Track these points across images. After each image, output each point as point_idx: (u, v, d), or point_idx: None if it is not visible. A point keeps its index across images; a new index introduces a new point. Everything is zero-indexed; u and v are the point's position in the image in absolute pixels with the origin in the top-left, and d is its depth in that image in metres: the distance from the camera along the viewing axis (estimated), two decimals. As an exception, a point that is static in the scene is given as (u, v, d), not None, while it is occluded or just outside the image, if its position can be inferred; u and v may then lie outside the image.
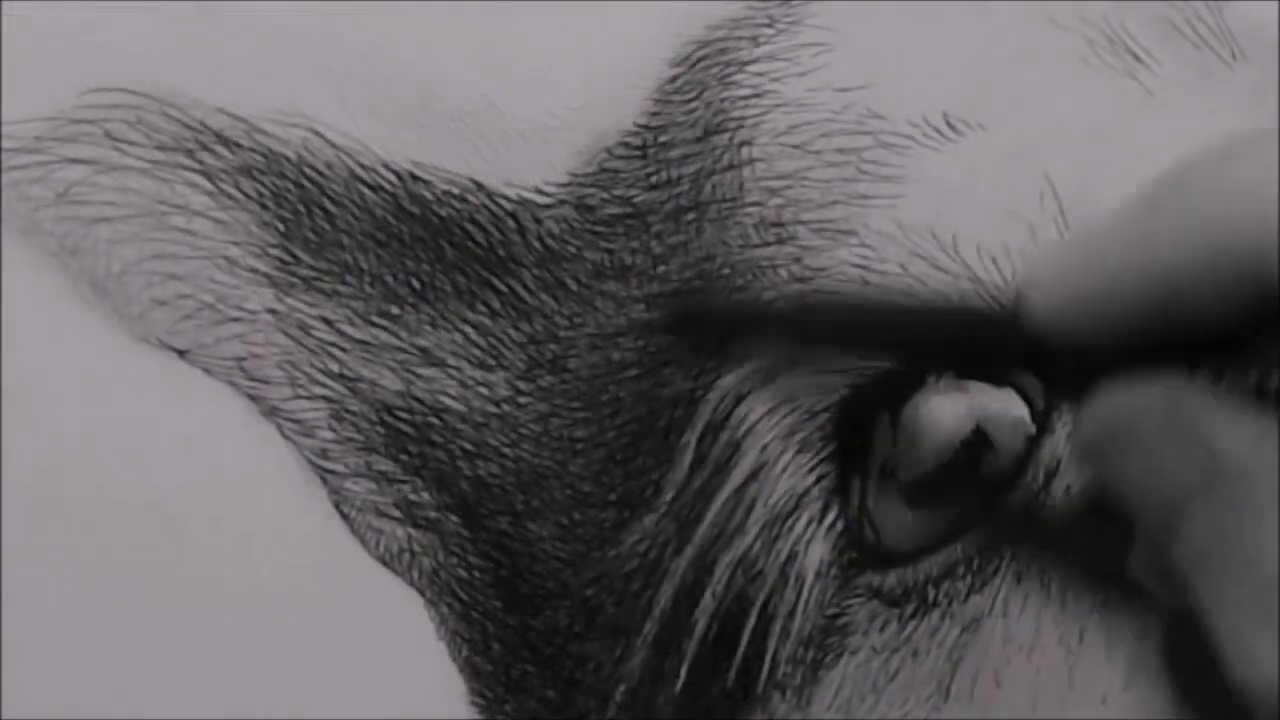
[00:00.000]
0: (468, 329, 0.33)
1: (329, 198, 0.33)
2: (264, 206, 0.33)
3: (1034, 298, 0.28)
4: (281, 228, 0.33)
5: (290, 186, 0.33)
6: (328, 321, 0.33)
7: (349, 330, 0.33)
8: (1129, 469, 0.28)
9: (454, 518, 0.33)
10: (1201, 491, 0.26)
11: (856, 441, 0.33)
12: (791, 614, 0.33)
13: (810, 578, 0.33)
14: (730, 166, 0.34)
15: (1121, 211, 0.27)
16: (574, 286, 0.33)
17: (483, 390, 0.33)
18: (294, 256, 0.33)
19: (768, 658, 0.33)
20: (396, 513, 0.33)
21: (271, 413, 0.33)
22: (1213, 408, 0.27)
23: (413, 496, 0.33)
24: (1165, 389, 0.27)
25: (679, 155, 0.34)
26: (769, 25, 0.35)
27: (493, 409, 0.33)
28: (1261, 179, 0.25)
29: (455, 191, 0.33)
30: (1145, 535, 0.29)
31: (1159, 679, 0.33)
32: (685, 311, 0.33)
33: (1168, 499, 0.27)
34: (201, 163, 0.33)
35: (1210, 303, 0.26)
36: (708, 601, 0.33)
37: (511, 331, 0.33)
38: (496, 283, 0.33)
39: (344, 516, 0.33)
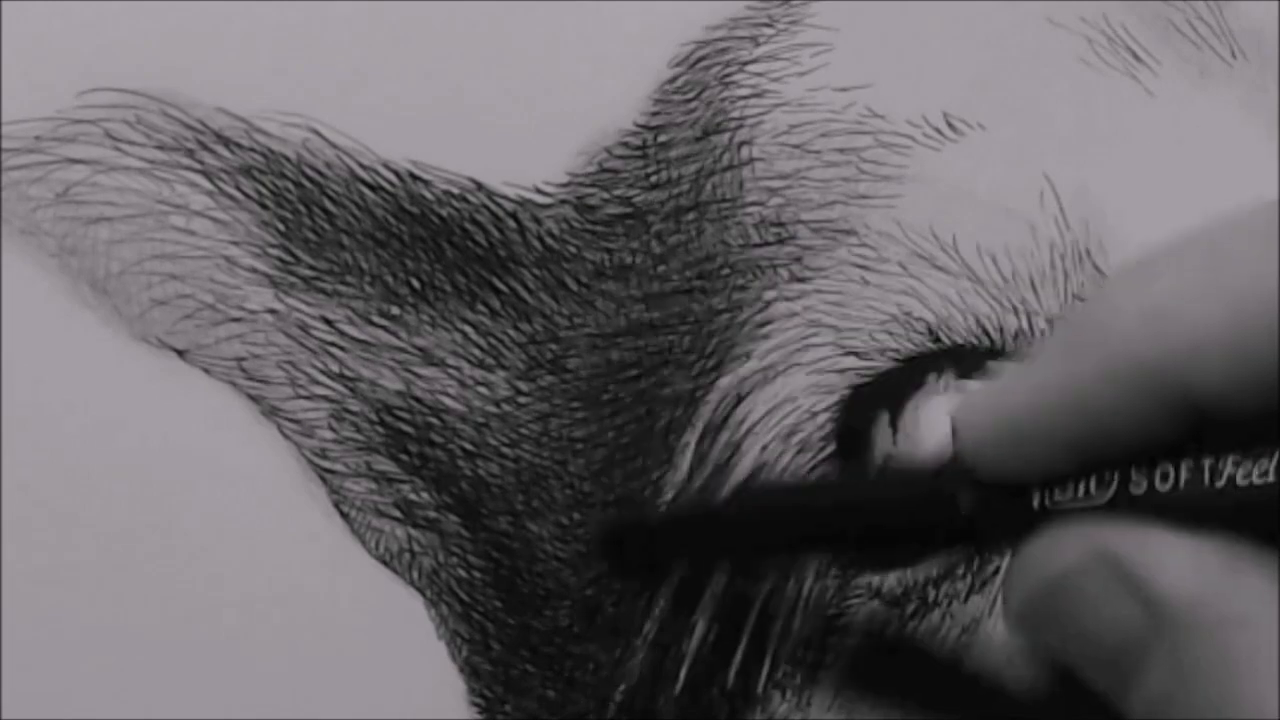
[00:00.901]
0: (468, 329, 0.33)
1: (329, 197, 0.33)
2: (264, 206, 0.33)
3: (963, 429, 0.27)
4: (281, 227, 0.33)
5: (290, 186, 0.33)
6: (328, 321, 0.33)
7: (349, 330, 0.33)
8: (1067, 634, 0.26)
9: (454, 518, 0.33)
10: (1150, 646, 0.25)
11: (856, 442, 0.33)
12: (791, 614, 0.33)
13: (810, 578, 0.33)
14: (730, 166, 0.34)
15: (1046, 340, 0.27)
16: (574, 286, 0.33)
17: (483, 390, 0.33)
18: (294, 256, 0.33)
19: (767, 658, 0.33)
20: (396, 512, 0.33)
21: (271, 412, 0.33)
22: (1147, 545, 0.25)
23: (412, 496, 0.33)
24: (1092, 536, 0.26)
25: (679, 155, 0.34)
26: (769, 25, 0.35)
27: (493, 409, 0.33)
28: (1176, 290, 0.24)
29: (455, 191, 0.33)
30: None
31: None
32: (606, 533, 0.33)
33: (1114, 659, 0.26)
34: (201, 162, 0.33)
35: (1135, 424, 0.25)
36: (707, 601, 0.33)
37: (511, 331, 0.33)
38: (496, 282, 0.33)
39: (344, 516, 0.33)
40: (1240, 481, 0.25)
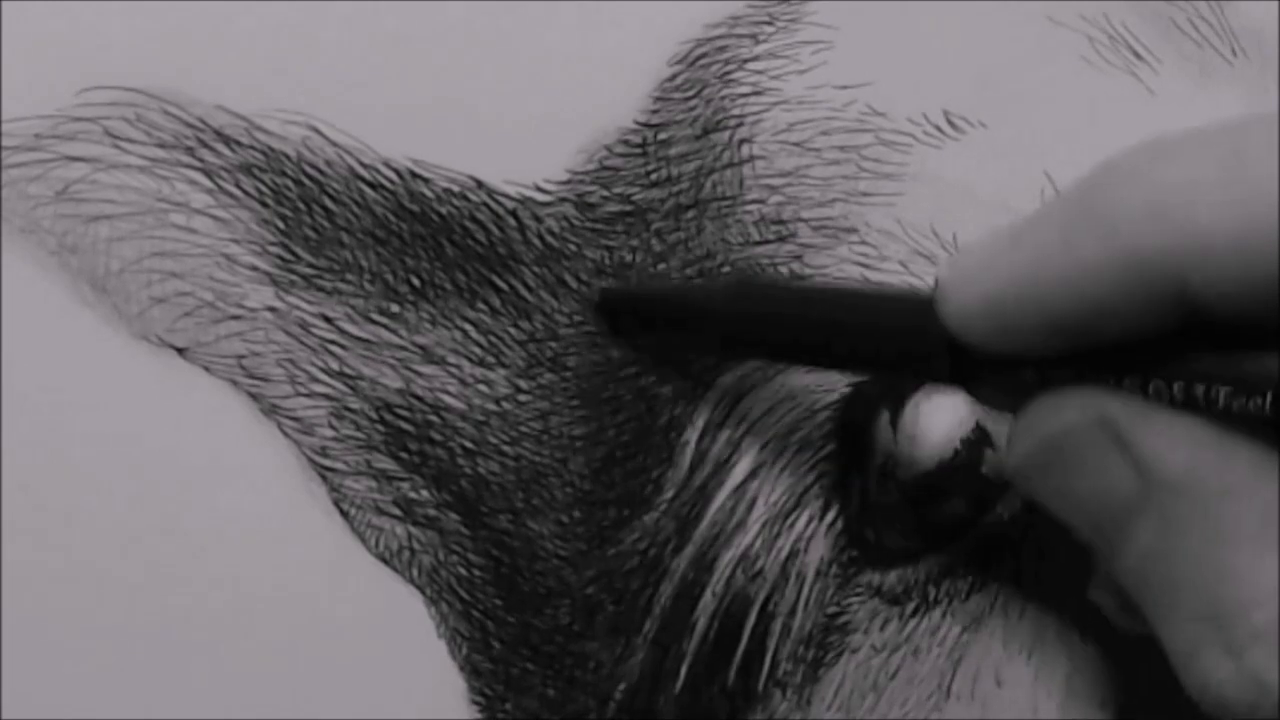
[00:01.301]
0: (468, 326, 0.33)
1: (329, 195, 0.33)
2: (264, 204, 0.33)
3: (950, 297, 0.27)
4: (281, 225, 0.33)
5: (290, 184, 0.33)
6: (327, 319, 0.33)
7: (349, 328, 0.33)
8: (1063, 491, 0.27)
9: (454, 516, 0.33)
10: (1139, 507, 0.26)
11: (856, 441, 0.33)
12: (792, 612, 0.33)
13: (811, 576, 0.33)
14: (730, 164, 0.34)
15: (1044, 210, 0.26)
16: (574, 284, 0.33)
17: (483, 388, 0.33)
18: (294, 254, 0.33)
19: (768, 656, 0.33)
20: (396, 510, 0.33)
21: (271, 410, 0.33)
22: (1144, 419, 0.26)
23: (412, 494, 0.33)
24: (1092, 404, 0.26)
25: (679, 153, 0.34)
26: (769, 23, 0.35)
27: (493, 407, 0.33)
28: (1187, 184, 0.24)
29: (455, 189, 0.33)
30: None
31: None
32: (605, 294, 0.33)
33: (1106, 519, 0.26)
34: (201, 160, 0.33)
35: (1129, 314, 0.25)
36: (708, 600, 0.33)
37: (511, 329, 0.33)
38: (496, 280, 0.33)
39: (344, 514, 0.33)
40: (1236, 410, 0.25)
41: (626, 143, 0.34)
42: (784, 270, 0.34)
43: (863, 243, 0.34)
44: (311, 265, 0.33)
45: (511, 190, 0.33)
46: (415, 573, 0.33)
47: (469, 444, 0.33)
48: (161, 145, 0.33)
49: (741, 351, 0.33)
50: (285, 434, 0.33)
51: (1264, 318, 0.24)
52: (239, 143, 0.33)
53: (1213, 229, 0.24)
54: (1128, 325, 0.25)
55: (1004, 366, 0.27)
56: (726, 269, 0.34)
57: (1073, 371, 0.27)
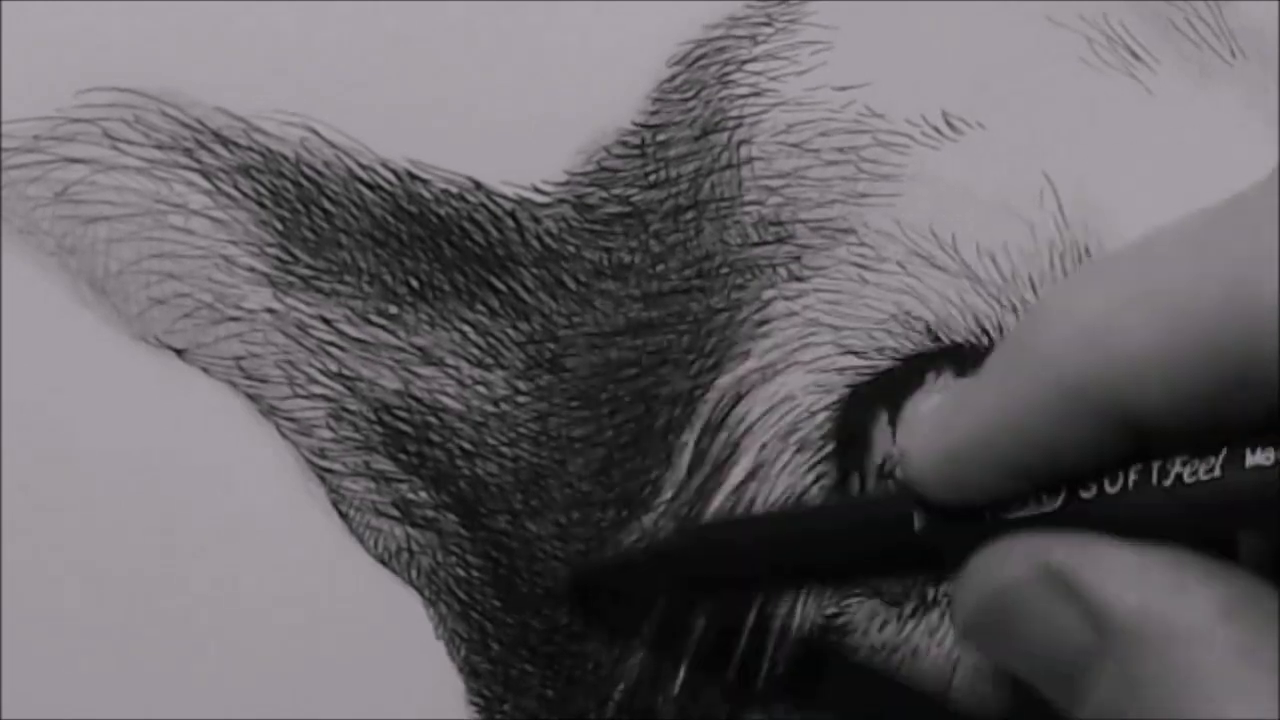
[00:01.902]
0: (466, 328, 0.33)
1: (327, 197, 0.33)
2: (262, 205, 0.33)
3: (909, 458, 0.27)
4: (280, 227, 0.33)
5: (288, 185, 0.33)
6: (326, 320, 0.33)
7: (347, 329, 0.33)
8: (1013, 649, 0.26)
9: (452, 517, 0.33)
10: (1095, 659, 0.25)
11: (855, 441, 0.33)
12: (791, 613, 0.33)
13: (810, 577, 0.33)
14: (729, 165, 0.34)
15: (987, 363, 0.26)
16: (572, 285, 0.33)
17: (481, 389, 0.33)
18: (292, 255, 0.33)
19: (767, 657, 0.33)
20: (395, 512, 0.33)
21: (270, 412, 0.33)
22: (1092, 562, 0.25)
23: (411, 495, 0.33)
24: (1035, 551, 0.25)
25: (677, 154, 0.34)
26: (767, 24, 0.35)
27: (491, 408, 0.33)
28: (1108, 310, 0.24)
29: (453, 190, 0.33)
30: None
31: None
32: (574, 580, 0.33)
33: (1062, 673, 0.25)
34: (200, 161, 0.33)
35: (1078, 445, 0.25)
36: (707, 601, 0.33)
37: (510, 330, 0.33)
38: (495, 282, 0.33)
39: (342, 515, 0.33)
40: (1188, 479, 0.24)
41: (625, 144, 0.34)
42: (782, 271, 0.34)
43: (861, 244, 0.34)
44: (310, 266, 0.33)
45: (510, 191, 0.33)
46: (414, 574, 0.33)
47: (467, 445, 0.33)
48: (160, 147, 0.33)
49: (719, 592, 0.32)
50: (284, 435, 0.33)
51: (1211, 425, 0.24)
52: (237, 144, 0.33)
53: (1138, 349, 0.24)
54: (1077, 455, 0.25)
55: (965, 517, 0.27)
56: (725, 270, 0.34)
57: (1030, 502, 0.26)
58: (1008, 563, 0.26)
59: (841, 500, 0.32)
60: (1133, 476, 0.25)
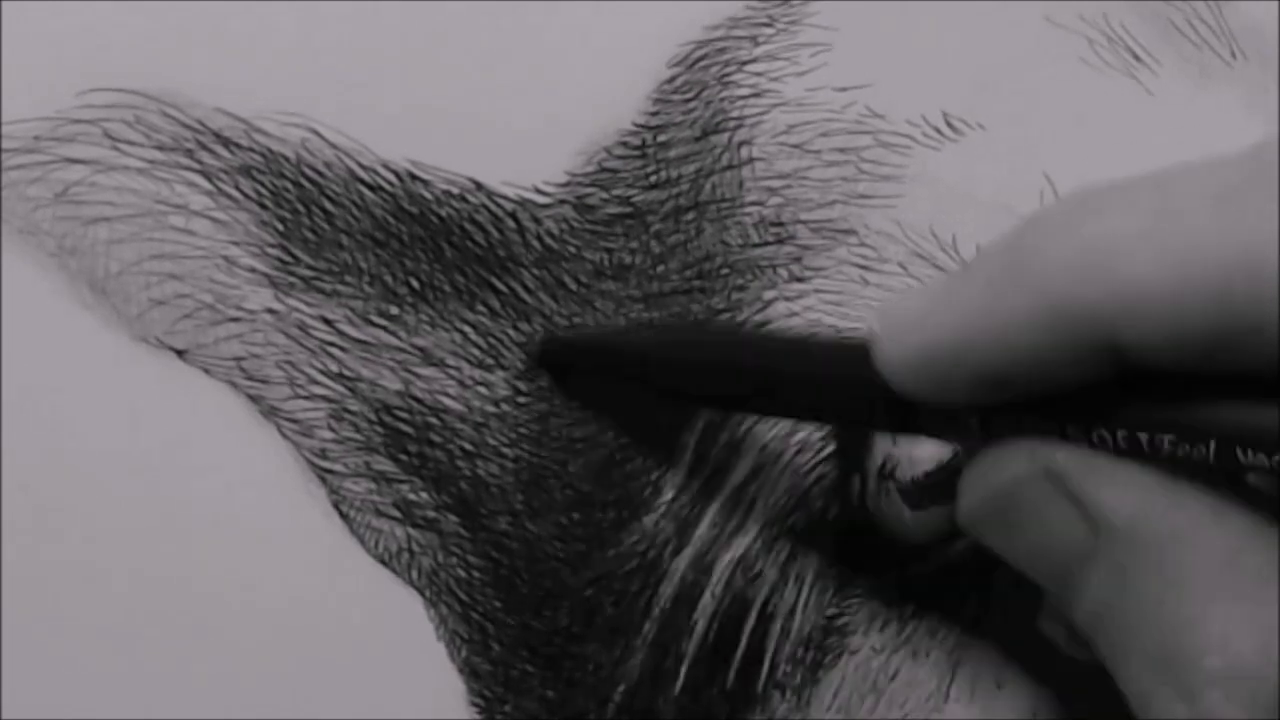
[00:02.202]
0: (467, 329, 0.33)
1: (328, 197, 0.33)
2: (263, 206, 0.33)
3: (884, 350, 0.27)
4: (280, 227, 0.33)
5: (289, 186, 0.33)
6: (327, 321, 0.33)
7: (348, 330, 0.33)
8: (1015, 542, 0.27)
9: (453, 517, 0.33)
10: (1091, 556, 0.26)
11: (855, 442, 0.33)
12: (791, 614, 0.33)
13: (810, 578, 0.33)
14: (729, 166, 0.34)
15: (974, 262, 0.26)
16: (573, 286, 0.33)
17: (482, 390, 0.33)
18: (293, 256, 0.33)
19: (767, 658, 0.33)
20: (395, 512, 0.33)
21: (270, 413, 0.33)
22: (1090, 469, 0.26)
23: (412, 496, 0.33)
24: (1038, 455, 0.26)
25: (678, 155, 0.34)
26: (768, 25, 0.35)
27: (492, 409, 0.33)
28: (1114, 238, 0.24)
29: (454, 191, 0.33)
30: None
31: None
32: (545, 346, 0.33)
33: (1058, 568, 0.26)
34: (200, 162, 0.33)
35: (1061, 366, 0.25)
36: (707, 602, 0.33)
37: (511, 331, 0.33)
38: (496, 282, 0.33)
39: (343, 516, 0.33)
40: (1179, 457, 0.25)
41: (625, 145, 0.34)
42: (783, 272, 0.34)
43: (862, 244, 0.34)
44: (311, 267, 0.33)
45: (510, 192, 0.33)
46: (415, 575, 0.33)
47: (468, 446, 0.33)
48: (160, 147, 0.33)
49: (682, 398, 0.32)
50: (284, 436, 0.33)
51: (1198, 368, 0.24)
52: (238, 145, 0.33)
53: (1141, 283, 0.24)
54: (1061, 377, 0.25)
55: (945, 415, 0.27)
56: (725, 271, 0.34)
57: (1014, 420, 0.26)
58: (1013, 463, 0.27)
59: (814, 344, 0.31)
60: (1123, 443, 0.25)
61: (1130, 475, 0.25)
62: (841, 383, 0.29)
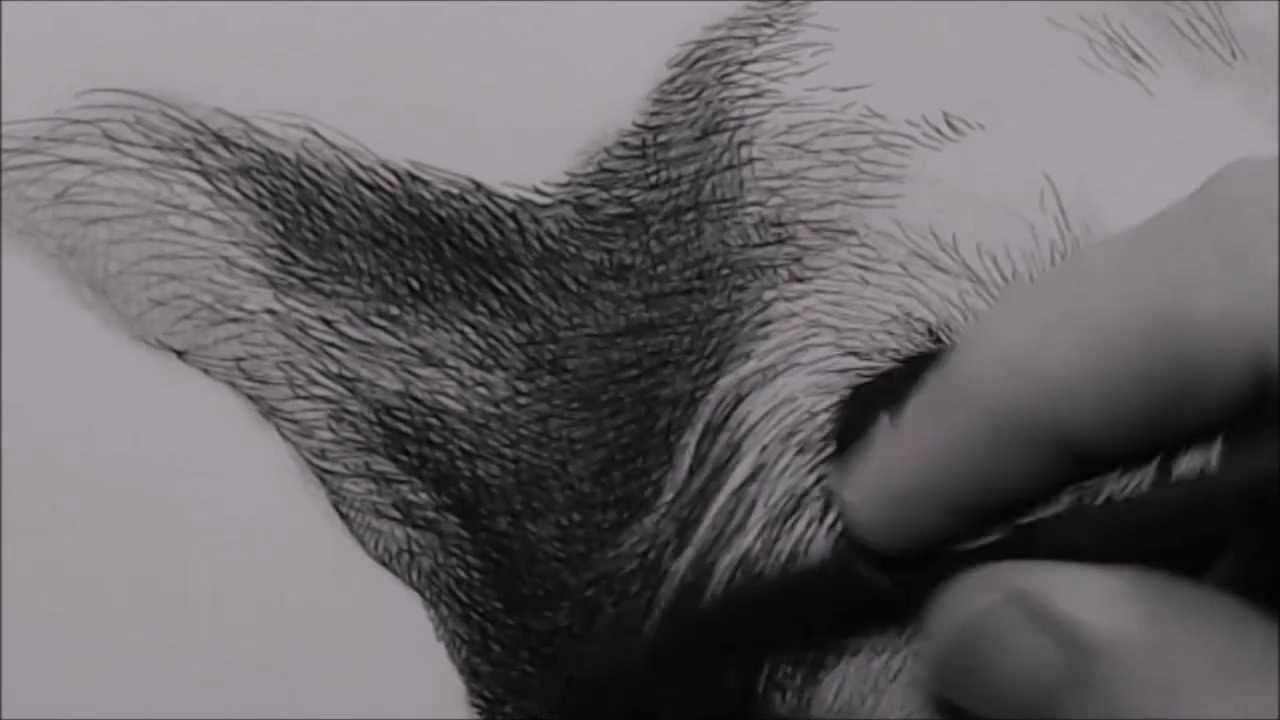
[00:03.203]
0: (467, 329, 0.33)
1: (328, 198, 0.33)
2: (263, 206, 0.33)
3: (848, 508, 0.27)
4: (280, 228, 0.33)
5: (289, 186, 0.33)
6: (326, 322, 0.33)
7: (348, 330, 0.33)
8: (984, 684, 0.25)
9: (453, 518, 0.33)
10: (1069, 685, 0.24)
11: (856, 443, 0.33)
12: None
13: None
14: (730, 166, 0.34)
15: (916, 400, 0.26)
16: (573, 286, 0.33)
17: (482, 390, 0.33)
18: (293, 256, 0.33)
19: (766, 661, 0.33)
20: (395, 513, 0.33)
21: (270, 413, 0.33)
22: (1059, 585, 0.25)
23: (411, 497, 0.33)
24: (1001, 580, 0.25)
25: (678, 155, 0.34)
26: (768, 25, 0.35)
27: (492, 409, 0.33)
28: (1035, 337, 0.24)
29: (454, 191, 0.33)
30: None
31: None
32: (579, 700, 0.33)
33: (1036, 703, 0.25)
34: (200, 163, 0.33)
35: (1018, 474, 0.25)
36: (708, 602, 0.33)
37: (511, 332, 0.33)
38: (496, 283, 0.33)
39: (343, 517, 0.33)
40: (1117, 497, 0.25)
41: (625, 145, 0.34)
42: (783, 272, 0.34)
43: (862, 244, 0.34)
44: (310, 268, 0.33)
45: (510, 192, 0.33)
46: (415, 575, 0.33)
47: (468, 446, 0.33)
48: (160, 148, 0.33)
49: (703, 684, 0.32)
50: (284, 436, 0.33)
51: (1149, 440, 0.24)
52: (238, 145, 0.33)
53: (1067, 374, 0.24)
54: (1018, 485, 0.25)
55: (916, 562, 0.27)
56: (725, 271, 0.34)
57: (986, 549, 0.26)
58: (975, 595, 0.25)
59: (794, 570, 0.32)
60: (1066, 501, 0.25)
61: (1102, 586, 0.24)
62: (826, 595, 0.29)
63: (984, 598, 0.25)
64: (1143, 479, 0.24)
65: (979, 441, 0.25)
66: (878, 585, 0.28)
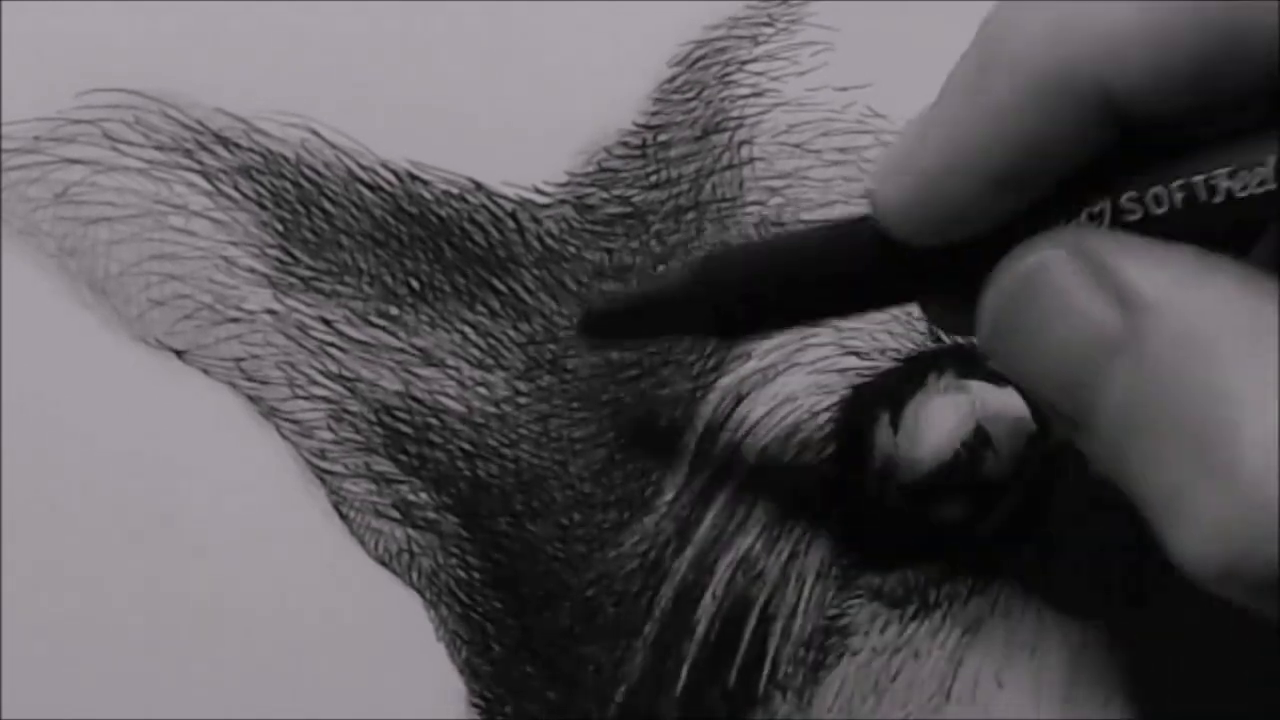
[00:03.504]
0: (467, 329, 0.33)
1: (327, 198, 0.33)
2: (262, 206, 0.33)
3: (882, 196, 0.26)
4: (280, 228, 0.33)
5: (289, 186, 0.33)
6: (326, 322, 0.33)
7: (348, 330, 0.33)
8: (1039, 341, 0.25)
9: (453, 518, 0.33)
10: (1118, 348, 0.24)
11: (856, 443, 0.33)
12: (792, 614, 0.33)
13: (811, 578, 0.33)
14: (730, 165, 0.34)
15: (948, 80, 0.25)
16: (573, 286, 0.33)
17: (482, 390, 0.33)
18: (292, 257, 0.33)
19: (768, 658, 0.33)
20: (395, 513, 0.33)
21: (270, 413, 0.33)
22: (1120, 245, 0.24)
23: (411, 497, 0.33)
24: (1066, 238, 0.25)
25: (679, 154, 0.34)
26: (768, 24, 0.35)
27: (492, 409, 0.33)
28: None
29: (454, 191, 0.33)
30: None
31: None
32: (584, 323, 0.32)
33: (1082, 366, 0.24)
34: (200, 163, 0.33)
35: (1061, 144, 0.24)
36: (708, 602, 0.33)
37: (511, 331, 0.33)
38: (496, 283, 0.33)
39: (343, 517, 0.33)
40: (1240, 194, 0.24)
41: (626, 144, 0.34)
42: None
43: (863, 244, 0.34)
44: (310, 268, 0.33)
45: (510, 192, 0.33)
46: (415, 575, 0.33)
47: (468, 446, 0.33)
48: (160, 148, 0.33)
49: (712, 331, 0.31)
50: (284, 436, 0.33)
51: (1194, 106, 0.24)
52: (238, 145, 0.33)
53: (1114, 27, 0.23)
54: (1063, 157, 0.24)
55: (952, 266, 0.26)
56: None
57: (1035, 224, 0.25)
58: (1039, 248, 0.25)
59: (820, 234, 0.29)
60: (1178, 195, 0.24)
61: (1160, 252, 0.24)
62: (851, 262, 0.27)
63: (1050, 250, 0.25)
64: (1254, 179, 0.24)
65: (1022, 107, 0.24)
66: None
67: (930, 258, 0.26)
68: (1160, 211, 0.24)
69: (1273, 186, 0.24)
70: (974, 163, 0.25)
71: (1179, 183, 0.24)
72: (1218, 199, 0.24)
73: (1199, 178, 0.24)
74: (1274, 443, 0.22)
